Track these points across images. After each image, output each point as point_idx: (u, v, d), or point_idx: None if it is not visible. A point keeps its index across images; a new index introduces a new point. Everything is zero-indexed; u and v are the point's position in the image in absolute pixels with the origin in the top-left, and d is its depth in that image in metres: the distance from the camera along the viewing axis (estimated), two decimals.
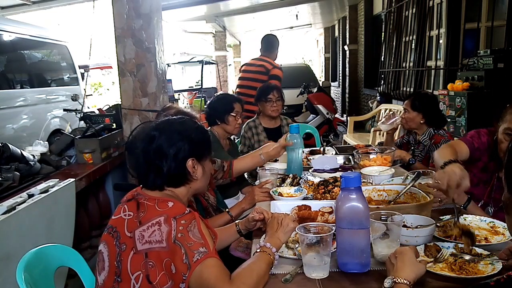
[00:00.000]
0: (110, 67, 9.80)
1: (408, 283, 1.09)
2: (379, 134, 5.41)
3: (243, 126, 3.33)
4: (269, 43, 4.50)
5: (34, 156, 2.79)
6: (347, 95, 10.68)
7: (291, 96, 6.84)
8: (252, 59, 4.61)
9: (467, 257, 1.29)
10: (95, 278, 1.35)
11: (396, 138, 3.36)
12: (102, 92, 14.19)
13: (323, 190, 1.98)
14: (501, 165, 1.80)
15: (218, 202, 2.21)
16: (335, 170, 2.33)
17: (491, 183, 1.96)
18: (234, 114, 2.79)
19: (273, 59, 4.39)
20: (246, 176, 3.05)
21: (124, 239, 1.26)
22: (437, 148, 2.45)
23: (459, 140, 2.10)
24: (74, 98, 4.93)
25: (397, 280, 1.09)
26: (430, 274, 1.22)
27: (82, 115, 3.85)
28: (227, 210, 1.95)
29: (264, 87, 3.39)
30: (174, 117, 1.49)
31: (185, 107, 9.32)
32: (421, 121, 2.72)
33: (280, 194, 2.01)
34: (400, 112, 3.30)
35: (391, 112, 2.83)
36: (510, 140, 1.76)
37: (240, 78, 4.54)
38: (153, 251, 1.20)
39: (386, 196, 1.82)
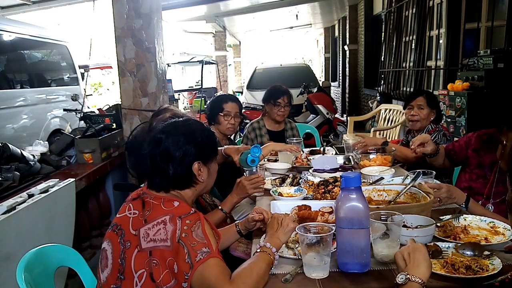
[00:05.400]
0: (110, 67, 9.79)
1: (421, 282, 1.05)
2: (379, 134, 5.41)
3: (247, 126, 3.32)
4: None
5: (34, 156, 2.79)
6: (347, 95, 10.68)
7: None
8: None
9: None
10: (97, 275, 1.36)
11: (396, 138, 3.35)
12: (102, 92, 14.19)
13: (323, 190, 1.98)
14: (494, 156, 1.95)
15: (216, 196, 2.20)
16: (335, 170, 2.33)
17: (491, 178, 1.98)
18: (223, 114, 2.79)
19: None
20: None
21: (128, 237, 1.27)
22: (430, 135, 2.49)
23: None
24: (74, 98, 4.93)
25: (412, 278, 1.05)
26: (430, 274, 1.22)
27: (82, 115, 3.85)
28: (219, 207, 1.90)
29: (274, 89, 3.26)
30: (180, 119, 1.49)
31: (185, 107, 9.32)
32: (432, 118, 2.71)
33: (280, 194, 2.01)
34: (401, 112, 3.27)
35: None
36: None
37: None
38: (157, 249, 1.21)
39: (386, 196, 1.82)
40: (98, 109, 4.43)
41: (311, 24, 14.41)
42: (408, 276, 1.06)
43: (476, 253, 1.32)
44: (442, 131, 2.65)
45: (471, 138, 2.17)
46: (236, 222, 1.69)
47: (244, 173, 2.11)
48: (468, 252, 1.33)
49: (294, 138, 3.07)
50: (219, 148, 1.97)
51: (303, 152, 2.86)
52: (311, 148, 3.08)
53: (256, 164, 2.17)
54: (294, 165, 2.58)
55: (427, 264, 1.09)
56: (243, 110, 3.23)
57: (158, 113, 2.18)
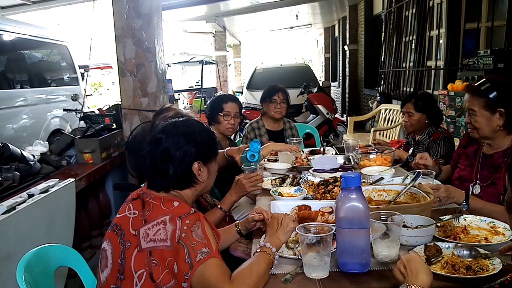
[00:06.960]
0: (110, 67, 9.79)
1: None
2: (379, 134, 5.41)
3: (246, 127, 3.33)
4: None
5: (34, 156, 2.79)
6: (347, 95, 10.68)
7: (291, 96, 6.87)
8: None
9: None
10: (97, 275, 1.36)
11: (396, 138, 3.35)
12: (102, 92, 14.19)
13: (323, 190, 1.98)
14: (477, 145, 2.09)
15: (216, 196, 2.20)
16: (335, 170, 2.33)
17: (476, 164, 2.07)
18: (223, 114, 2.80)
19: None
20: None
21: (128, 237, 1.27)
22: (436, 145, 2.53)
23: None
24: (74, 98, 4.94)
25: (413, 287, 1.04)
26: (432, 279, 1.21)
27: (82, 115, 3.85)
28: (218, 206, 1.89)
29: (270, 88, 3.33)
30: (180, 119, 1.49)
31: (185, 107, 9.32)
32: (426, 121, 2.71)
33: (280, 194, 2.01)
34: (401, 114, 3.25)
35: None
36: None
37: None
38: (157, 249, 1.21)
39: (386, 196, 1.82)
40: (98, 109, 4.44)
41: (311, 24, 14.40)
42: (408, 286, 1.04)
43: (473, 253, 1.32)
44: (445, 137, 2.65)
45: (462, 139, 2.33)
46: (236, 222, 1.68)
47: (244, 172, 2.11)
48: (465, 252, 1.32)
49: (294, 138, 3.07)
50: (221, 150, 1.96)
51: (303, 152, 2.86)
52: (311, 148, 3.08)
53: (256, 159, 2.16)
54: (294, 165, 2.58)
55: (425, 270, 1.08)
56: (243, 110, 3.24)
57: (160, 112, 2.17)
